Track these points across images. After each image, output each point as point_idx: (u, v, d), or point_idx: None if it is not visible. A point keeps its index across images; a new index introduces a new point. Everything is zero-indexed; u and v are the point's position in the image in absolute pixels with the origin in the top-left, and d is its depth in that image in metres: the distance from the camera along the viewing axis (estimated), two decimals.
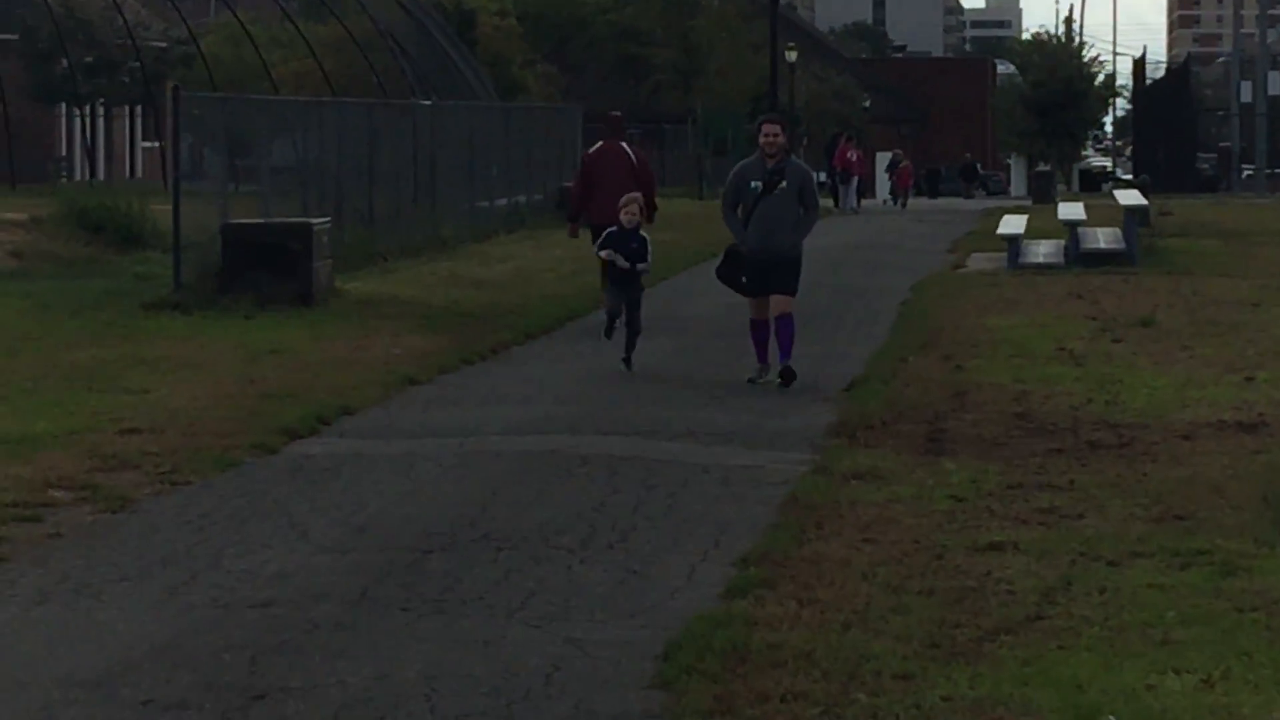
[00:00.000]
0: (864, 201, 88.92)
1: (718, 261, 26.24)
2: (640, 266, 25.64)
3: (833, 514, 17.28)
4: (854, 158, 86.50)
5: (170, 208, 38.26)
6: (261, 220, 37.42)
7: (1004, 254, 48.16)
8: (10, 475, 18.74)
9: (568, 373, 25.72)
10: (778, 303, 24.83)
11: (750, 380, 25.24)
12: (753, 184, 24.75)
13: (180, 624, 13.68)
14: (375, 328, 32.20)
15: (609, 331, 26.35)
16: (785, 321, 24.96)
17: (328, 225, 38.05)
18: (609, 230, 26.64)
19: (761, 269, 24.76)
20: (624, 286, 26.20)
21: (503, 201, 58.96)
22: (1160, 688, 11.68)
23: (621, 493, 18.47)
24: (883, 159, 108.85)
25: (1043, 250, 49.10)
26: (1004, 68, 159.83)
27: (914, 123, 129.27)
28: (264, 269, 35.31)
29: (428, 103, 59.28)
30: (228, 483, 19.19)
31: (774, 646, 12.69)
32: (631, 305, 26.05)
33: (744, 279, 25.27)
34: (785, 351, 25.00)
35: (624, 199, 26.03)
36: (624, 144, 35.65)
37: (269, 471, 19.70)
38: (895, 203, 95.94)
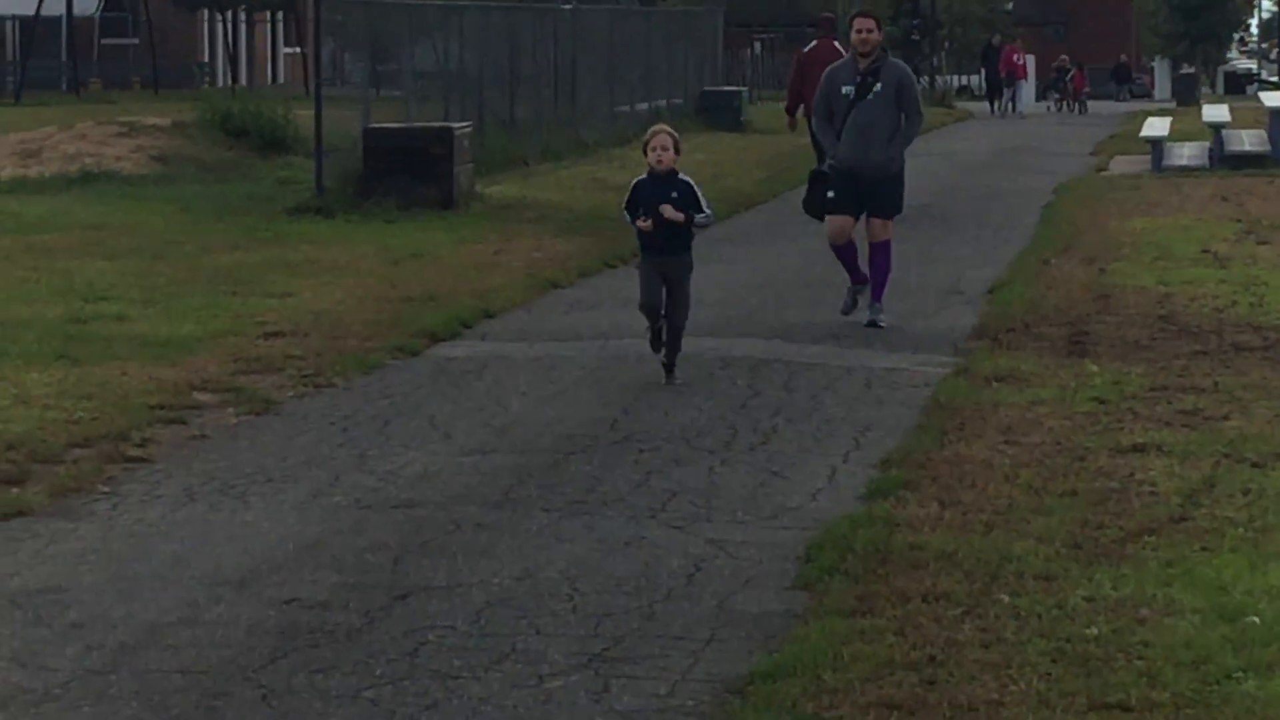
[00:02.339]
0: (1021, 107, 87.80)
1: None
2: (700, 218, 18.59)
3: (975, 416, 17.28)
4: (1020, 61, 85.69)
5: (312, 113, 38.42)
6: (403, 125, 37.48)
7: (1148, 157, 47.86)
8: (155, 378, 18.90)
9: (707, 276, 25.74)
10: (875, 228, 22.03)
11: (844, 310, 22.26)
12: (844, 89, 21.74)
13: (324, 524, 13.81)
14: (516, 231, 32.28)
15: (655, 340, 19.08)
16: (881, 252, 22.13)
17: (469, 129, 38.12)
18: (636, 181, 19.45)
19: (854, 185, 21.63)
20: (664, 257, 18.89)
21: (643, 106, 58.82)
22: None
23: (762, 395, 18.51)
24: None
25: (1187, 153, 48.75)
26: None
27: (1058, 25, 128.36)
28: (405, 173, 35.40)
29: (568, 6, 59.18)
30: (370, 385, 19.31)
31: (915, 547, 12.73)
32: (675, 284, 18.82)
33: (829, 194, 21.84)
34: (877, 293, 22.11)
35: (651, 133, 19.22)
36: (835, 42, 38.01)
37: (411, 374, 19.78)
38: (1071, 109, 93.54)
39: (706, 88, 67.15)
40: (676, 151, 18.57)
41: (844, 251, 22.15)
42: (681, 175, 18.59)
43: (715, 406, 18.03)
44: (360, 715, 9.96)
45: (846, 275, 22.59)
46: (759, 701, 9.91)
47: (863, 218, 22.33)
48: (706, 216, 18.86)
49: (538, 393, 18.68)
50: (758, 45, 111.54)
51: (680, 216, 18.12)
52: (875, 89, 21.32)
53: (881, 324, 21.83)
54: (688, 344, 19.39)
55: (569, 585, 12.14)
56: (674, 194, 18.37)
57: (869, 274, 22.04)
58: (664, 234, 18.32)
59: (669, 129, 18.88)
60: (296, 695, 10.26)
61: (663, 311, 18.97)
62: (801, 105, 35.80)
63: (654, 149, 18.54)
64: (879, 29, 22.09)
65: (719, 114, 62.85)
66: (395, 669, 10.65)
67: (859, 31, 21.84)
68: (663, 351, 18.92)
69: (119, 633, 11.26)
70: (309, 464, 15.69)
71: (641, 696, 10.20)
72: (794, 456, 15.99)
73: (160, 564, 12.76)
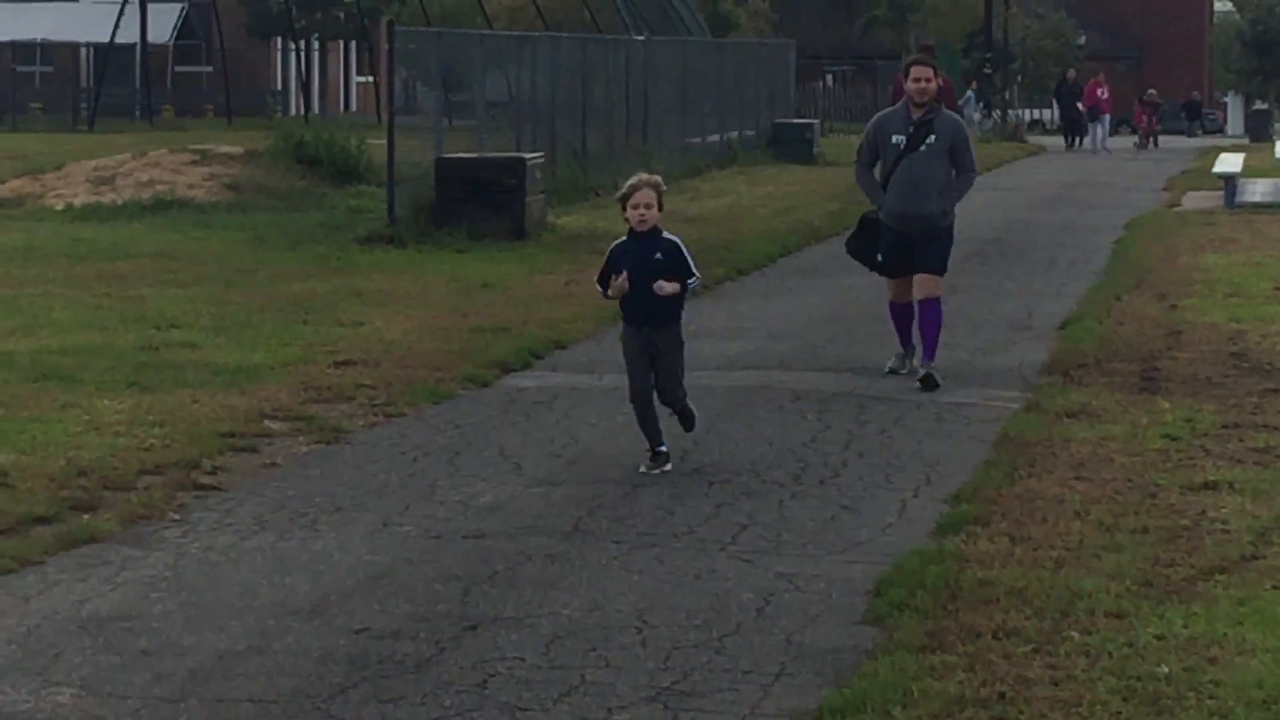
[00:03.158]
0: (1087, 142, 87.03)
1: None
2: (691, 283, 15.96)
3: (1045, 451, 17.25)
4: (1104, 95, 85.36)
5: (384, 142, 38.56)
6: (475, 155, 37.61)
7: (1220, 192, 47.76)
8: (227, 406, 18.97)
9: (779, 309, 25.67)
10: (923, 284, 20.57)
11: (890, 370, 21.09)
12: (894, 138, 20.33)
13: (394, 554, 13.84)
14: (587, 262, 32.28)
15: (655, 455, 16.38)
16: (931, 310, 20.66)
17: (540, 160, 38.22)
18: (614, 244, 16.75)
19: (903, 241, 20.48)
20: (651, 330, 16.11)
21: (714, 137, 58.94)
22: None
23: (833, 428, 18.50)
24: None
25: (1260, 189, 48.68)
26: (1221, 4, 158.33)
27: (1131, 59, 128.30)
28: (477, 203, 35.52)
29: (640, 38, 59.30)
30: (441, 415, 19.34)
31: (986, 583, 12.72)
32: (662, 360, 16.20)
33: (879, 255, 20.77)
34: (929, 351, 20.77)
35: (630, 186, 16.04)
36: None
37: (481, 404, 19.83)
38: (1147, 144, 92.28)
39: (778, 120, 67.16)
40: (660, 208, 15.67)
41: (900, 314, 21.11)
42: (667, 234, 15.75)
43: (785, 440, 18.03)
44: None
45: (897, 337, 21.58)
46: None
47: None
48: (697, 281, 16.14)
49: (607, 424, 18.71)
50: (830, 78, 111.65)
51: (675, 289, 15.38)
52: (929, 140, 20.19)
53: (938, 381, 20.47)
54: (756, 376, 19.51)
55: (638, 618, 12.15)
56: (658, 255, 15.58)
57: (921, 331, 20.81)
58: (652, 305, 15.47)
59: (652, 181, 15.68)
60: None
61: (652, 396, 16.38)
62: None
63: (635, 205, 15.48)
64: (936, 76, 20.94)
65: (791, 146, 62.85)
66: (464, 700, 10.67)
67: (916, 80, 20.48)
68: (670, 413, 16.42)
69: (188, 661, 11.30)
70: (379, 493, 15.73)
71: None
72: (864, 491, 15.98)
73: (230, 592, 12.80)
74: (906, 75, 20.64)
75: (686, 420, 16.45)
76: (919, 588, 12.59)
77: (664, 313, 15.50)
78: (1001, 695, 10.48)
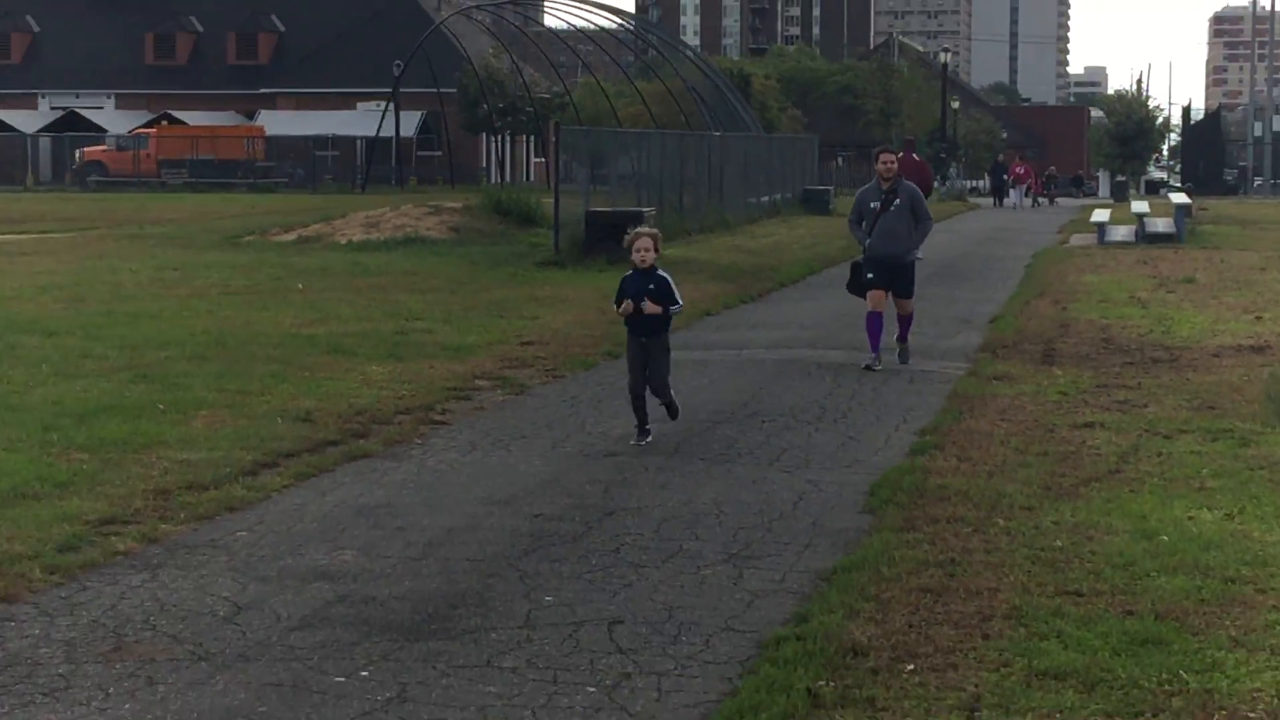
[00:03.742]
0: (1008, 201, 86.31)
1: (846, 279, 20.99)
2: (673, 309, 14.92)
3: (980, 402, 17.22)
4: (1023, 171, 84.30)
5: (552, 200, 38.68)
6: (610, 209, 37.52)
7: (1095, 234, 47.67)
8: (452, 370, 19.08)
9: (807, 310, 25.58)
10: (901, 305, 20.07)
11: (866, 367, 19.60)
12: (872, 204, 19.86)
13: (559, 466, 13.91)
14: (682, 279, 32.03)
15: (641, 431, 14.93)
16: (906, 320, 20.29)
17: (652, 212, 38.24)
18: (624, 276, 15.45)
19: (884, 269, 19.58)
20: (645, 338, 14.94)
21: (765, 198, 58.81)
22: (1197, 519, 11.64)
23: (842, 387, 18.43)
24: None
25: (1120, 232, 48.50)
26: (1096, 113, 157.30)
27: (1035, 148, 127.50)
28: (611, 240, 35.28)
29: (717, 134, 59.32)
30: (589, 377, 19.39)
31: (942, 487, 12.73)
32: (653, 359, 14.98)
33: (869, 275, 19.71)
34: (903, 336, 20.24)
35: (633, 235, 15.21)
36: (914, 155, 40.19)
37: (614, 370, 19.84)
38: (1035, 203, 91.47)
39: (807, 187, 66.89)
40: (656, 251, 14.72)
41: (873, 323, 19.61)
42: (660, 271, 14.69)
43: (811, 394, 18.00)
44: (582, 588, 10.04)
45: (869, 345, 19.92)
46: (839, 586, 9.95)
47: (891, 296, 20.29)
48: (678, 307, 15.00)
49: (696, 383, 18.71)
50: (840, 159, 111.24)
51: (658, 310, 14.44)
52: (896, 203, 19.46)
53: (909, 361, 20.09)
54: (792, 353, 19.46)
55: (716, 509, 12.22)
56: (651, 286, 14.58)
57: (900, 326, 20.12)
58: (645, 320, 14.46)
59: (651, 232, 14.77)
60: (541, 576, 10.36)
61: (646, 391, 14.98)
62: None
63: (638, 249, 14.60)
64: (897, 161, 20.13)
65: (815, 203, 62.61)
66: (604, 560, 10.74)
67: (883, 163, 19.86)
68: (660, 404, 14.94)
69: (427, 534, 11.39)
70: (549, 426, 15.81)
71: (763, 581, 10.26)
72: (863, 427, 15.97)
73: (454, 489, 12.91)
74: (877, 159, 20.07)
75: (672, 411, 14.91)
76: (899, 490, 12.63)
77: (655, 328, 14.45)
78: (952, 560, 10.49)
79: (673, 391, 15.03)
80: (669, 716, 7.89)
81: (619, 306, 14.60)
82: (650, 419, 14.99)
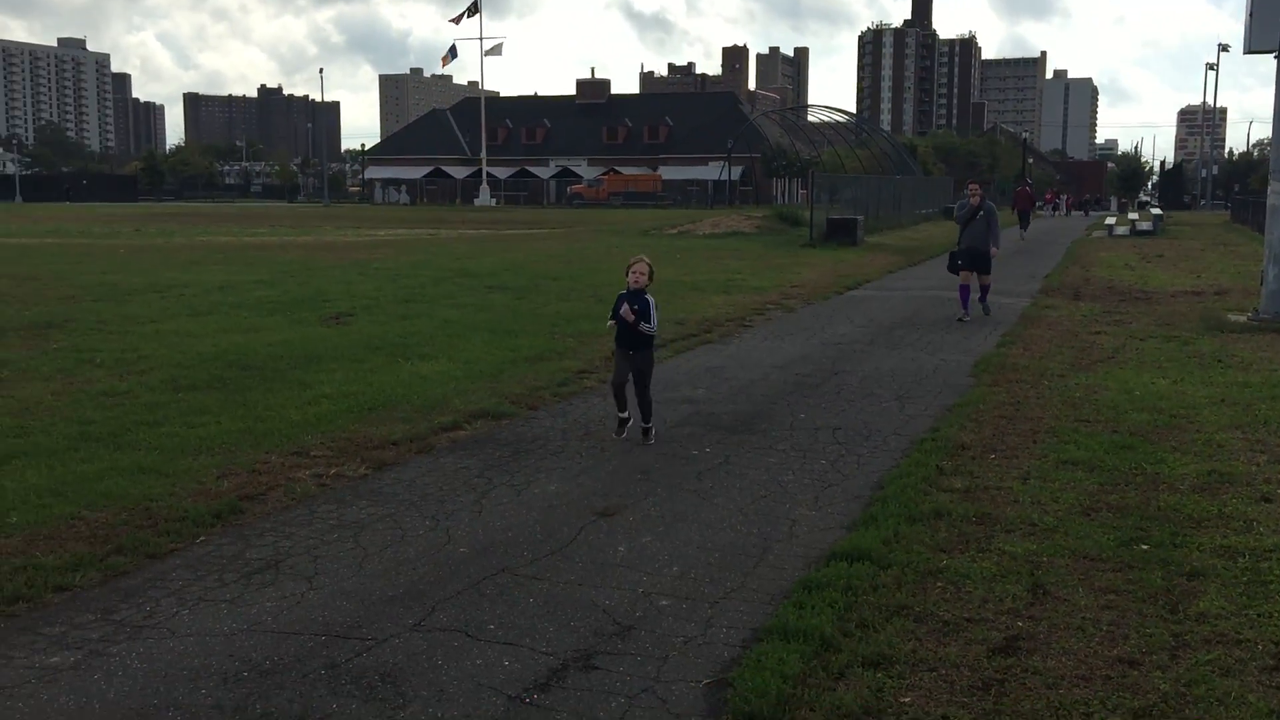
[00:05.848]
0: (1053, 215, 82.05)
1: (946, 261, 18.74)
2: (645, 326, 9.16)
3: (1037, 319, 16.59)
4: (1048, 195, 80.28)
5: (808, 212, 38.16)
6: (839, 216, 36.90)
7: (1106, 231, 45.14)
8: (757, 300, 18.97)
9: (941, 272, 24.86)
10: (983, 279, 17.36)
11: (959, 319, 16.74)
12: (965, 214, 17.24)
13: (809, 350, 13.79)
14: (877, 253, 31.58)
15: (620, 426, 9.27)
16: (986, 289, 17.48)
17: (862, 218, 37.43)
18: (619, 295, 9.37)
19: (970, 258, 17.08)
20: (632, 351, 9.22)
21: (922, 211, 56.89)
22: (1156, 383, 11.07)
23: (968, 323, 17.86)
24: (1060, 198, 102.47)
25: (1121, 229, 45.83)
26: (1111, 165, 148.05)
27: (1071, 184, 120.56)
28: (841, 232, 34.95)
29: (898, 176, 57.50)
30: (827, 304, 19.12)
31: (1013, 364, 12.34)
32: (638, 372, 9.26)
33: (959, 262, 17.19)
34: (983, 297, 17.50)
35: (633, 260, 9.41)
36: (1027, 186, 43.45)
37: (843, 301, 19.60)
38: (1069, 214, 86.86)
39: (945, 205, 64.49)
40: (650, 278, 9.12)
41: (963, 292, 17.21)
42: (646, 295, 9.08)
43: (943, 314, 17.51)
44: (819, 411, 9.99)
45: (960, 305, 17.39)
46: (956, 413, 9.75)
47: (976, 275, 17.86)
48: (650, 328, 9.00)
49: (883, 307, 18.41)
50: (968, 190, 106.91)
51: (631, 317, 8.86)
52: (979, 215, 16.99)
53: (990, 313, 17.19)
54: (934, 292, 18.82)
55: (890, 374, 12.04)
56: (636, 306, 8.94)
57: (981, 294, 17.44)
58: (631, 336, 8.97)
59: (647, 260, 9.22)
60: (798, 404, 10.31)
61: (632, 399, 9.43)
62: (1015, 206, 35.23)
63: (633, 272, 9.11)
64: (981, 189, 17.38)
65: (949, 214, 60.43)
66: (831, 399, 10.69)
67: (971, 190, 17.30)
68: (640, 420, 9.10)
69: (737, 384, 11.47)
70: (805, 330, 15.68)
71: (915, 410, 10.09)
72: (971, 331, 15.51)
73: (755, 359, 12.92)
74: (967, 187, 17.67)
75: (645, 409, 9.01)
76: (989, 365, 12.27)
77: (640, 343, 8.94)
78: (1017, 401, 10.20)
79: (654, 404, 9.49)
80: (862, 474, 7.89)
81: (615, 316, 9.00)
82: (666, 416, 10.67)
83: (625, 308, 8.92)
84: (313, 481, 7.42)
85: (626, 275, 8.95)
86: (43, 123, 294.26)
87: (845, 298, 20.22)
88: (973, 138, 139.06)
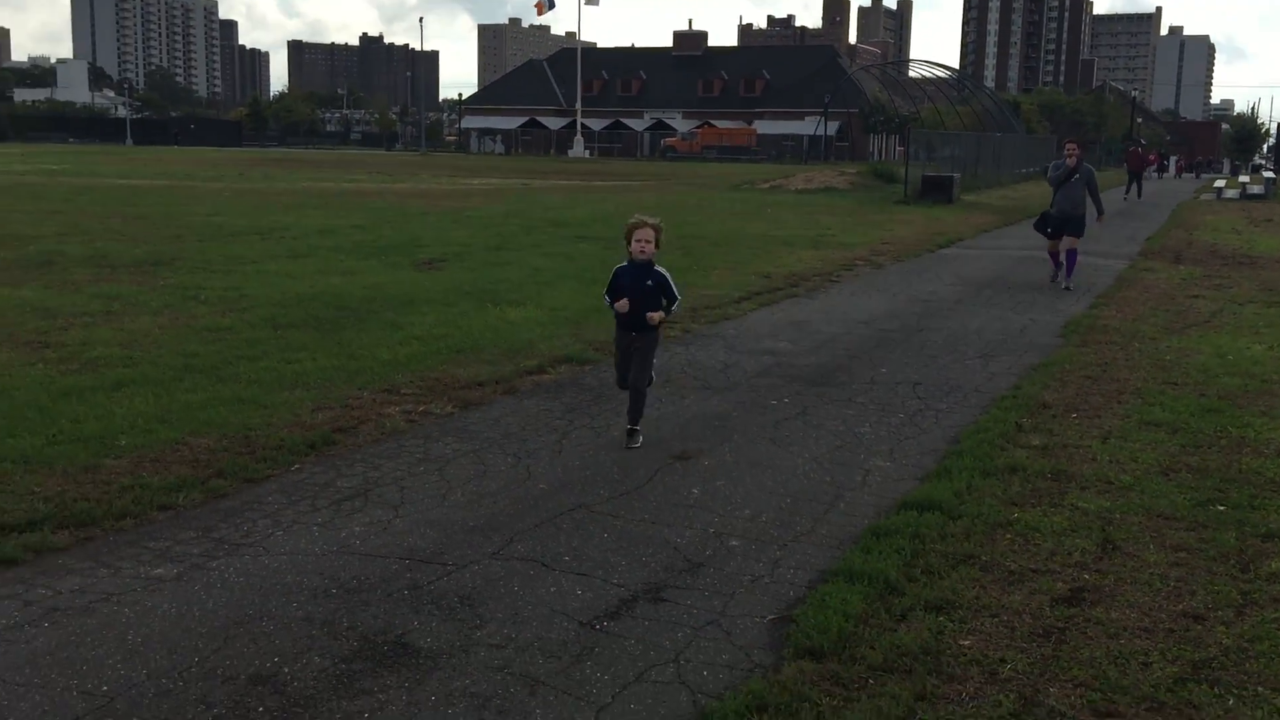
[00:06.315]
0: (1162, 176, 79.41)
1: (1035, 220, 17.00)
2: (674, 307, 7.23)
3: (1133, 281, 16.28)
4: (1151, 157, 77.82)
5: (903, 169, 37.64)
6: (936, 174, 36.27)
7: (1214, 193, 43.77)
8: (844, 256, 18.89)
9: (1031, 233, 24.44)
10: (1069, 242, 16.02)
11: (1052, 279, 16.09)
12: (1060, 176, 16.02)
13: (895, 306, 13.73)
14: (972, 212, 31.03)
15: (631, 435, 7.26)
16: (1072, 253, 16.02)
17: (958, 175, 36.78)
18: (617, 267, 7.31)
19: (1061, 221, 15.95)
20: (634, 333, 7.28)
21: (1024, 170, 55.56)
22: (1250, 348, 10.85)
23: (1060, 286, 17.63)
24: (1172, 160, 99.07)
25: (1229, 192, 44.42)
26: (1225, 126, 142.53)
27: (1183, 145, 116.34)
28: (937, 190, 34.40)
29: (998, 134, 56.16)
30: (917, 261, 18.95)
31: (1104, 325, 12.18)
32: (639, 355, 7.29)
33: (1048, 228, 16.16)
34: (1069, 273, 15.96)
35: (637, 221, 7.16)
36: (1140, 146, 41.74)
37: (933, 258, 19.41)
38: (1180, 175, 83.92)
39: (1045, 164, 62.94)
40: (657, 245, 7.27)
41: (1054, 256, 16.33)
42: (658, 268, 7.29)
43: (1037, 274, 17.23)
44: (901, 366, 9.99)
45: (1051, 265, 16.52)
46: (1040, 372, 9.69)
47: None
48: (678, 304, 7.38)
49: (974, 266, 18.18)
50: (1068, 147, 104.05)
51: (661, 317, 7.24)
52: (1075, 178, 15.82)
53: (1069, 288, 15.61)
54: (1029, 252, 18.49)
55: (978, 335, 11.92)
56: (649, 282, 7.23)
57: (1066, 263, 16.02)
58: (638, 318, 7.24)
59: (653, 222, 7.27)
60: (880, 359, 10.33)
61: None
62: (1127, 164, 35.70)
63: (637, 240, 7.20)
64: (1079, 148, 16.21)
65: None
66: (914, 355, 10.67)
67: (1068, 150, 16.16)
68: (627, 419, 7.40)
69: (823, 335, 11.50)
70: (892, 287, 15.58)
71: (998, 368, 10.04)
72: (1063, 295, 15.28)
73: (839, 313, 12.89)
74: (1063, 147, 16.47)
75: (637, 404, 7.27)
76: (1080, 326, 12.14)
77: (645, 326, 7.18)
78: (1105, 363, 10.10)
79: (650, 383, 7.58)
80: (940, 429, 7.90)
81: (613, 298, 7.24)
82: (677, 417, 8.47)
83: (653, 316, 7.05)
84: (401, 418, 7.69)
85: (628, 243, 7.02)
86: (152, 68, 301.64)
87: (936, 255, 19.98)
88: (1080, 96, 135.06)
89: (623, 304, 7.11)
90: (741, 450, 7.21)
